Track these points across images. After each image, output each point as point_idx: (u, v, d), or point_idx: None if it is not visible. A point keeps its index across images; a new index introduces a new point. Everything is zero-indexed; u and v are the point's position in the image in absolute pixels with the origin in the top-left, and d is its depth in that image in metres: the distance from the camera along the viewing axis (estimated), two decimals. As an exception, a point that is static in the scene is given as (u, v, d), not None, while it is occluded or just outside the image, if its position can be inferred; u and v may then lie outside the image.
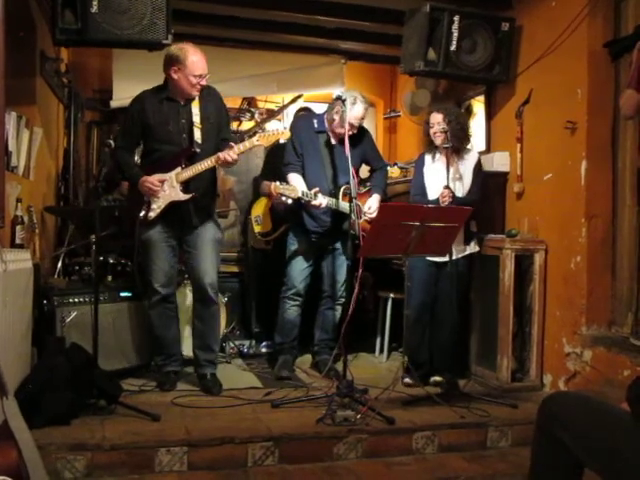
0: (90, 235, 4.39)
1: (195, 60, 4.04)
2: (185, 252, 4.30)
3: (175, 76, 4.07)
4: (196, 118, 4.16)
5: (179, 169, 4.09)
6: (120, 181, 5.59)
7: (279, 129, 4.36)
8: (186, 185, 4.10)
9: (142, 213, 4.12)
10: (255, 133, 6.53)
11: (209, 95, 4.26)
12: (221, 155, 4.01)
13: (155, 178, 4.07)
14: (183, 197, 4.10)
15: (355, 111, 4.42)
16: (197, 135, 4.14)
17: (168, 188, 4.09)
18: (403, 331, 4.28)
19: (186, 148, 4.14)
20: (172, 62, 4.06)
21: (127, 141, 4.26)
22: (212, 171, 4.25)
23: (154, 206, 4.10)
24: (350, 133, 4.24)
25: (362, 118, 4.54)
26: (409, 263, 4.28)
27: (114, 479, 3.22)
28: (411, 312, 4.44)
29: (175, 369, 4.36)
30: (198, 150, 4.12)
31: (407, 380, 4.41)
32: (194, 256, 4.24)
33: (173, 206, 4.11)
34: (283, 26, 5.82)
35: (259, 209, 5.60)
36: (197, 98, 4.18)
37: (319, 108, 5.80)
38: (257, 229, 5.57)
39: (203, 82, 4.10)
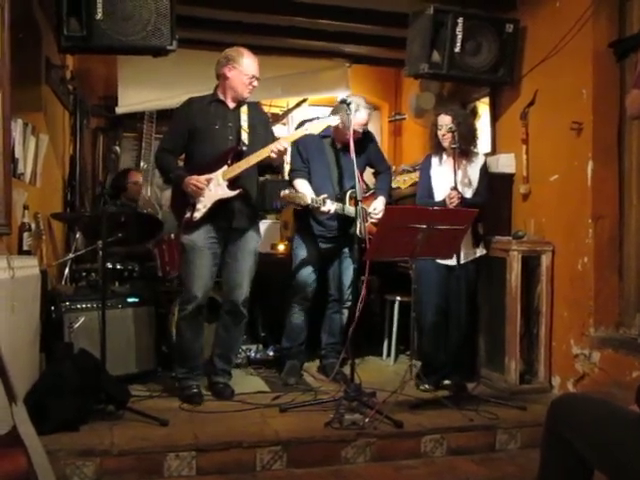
0: (97, 241, 4.41)
1: (249, 61, 4.10)
2: (222, 260, 4.22)
3: (229, 74, 4.09)
4: (244, 124, 4.15)
5: (225, 167, 4.02)
6: (125, 186, 5.62)
7: (329, 116, 4.22)
8: (232, 183, 4.04)
9: (187, 215, 4.04)
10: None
11: (257, 110, 4.34)
12: (272, 146, 3.98)
13: (201, 177, 4.00)
14: (230, 194, 4.02)
15: (358, 118, 4.41)
16: (244, 137, 4.12)
17: (214, 187, 4.00)
18: (410, 334, 4.27)
19: (233, 147, 4.09)
20: (227, 61, 4.09)
21: (172, 143, 4.20)
22: (255, 173, 4.24)
23: (199, 206, 4.01)
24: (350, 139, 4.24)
25: (365, 124, 4.54)
26: (419, 267, 4.27)
27: (123, 485, 3.23)
28: (428, 316, 4.44)
29: (198, 382, 4.22)
30: (245, 149, 4.09)
31: (426, 386, 4.39)
32: (231, 268, 4.20)
33: (219, 206, 4.03)
34: (287, 30, 5.82)
35: (286, 214, 5.58)
36: (246, 108, 4.19)
37: (324, 112, 5.80)
38: (284, 233, 5.57)
39: (255, 83, 4.12)
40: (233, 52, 4.13)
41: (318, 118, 4.24)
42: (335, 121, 4.18)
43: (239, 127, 4.14)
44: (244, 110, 4.19)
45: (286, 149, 4.06)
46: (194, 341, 4.21)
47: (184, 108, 4.22)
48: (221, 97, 4.18)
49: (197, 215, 4.03)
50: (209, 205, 4.02)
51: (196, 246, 4.08)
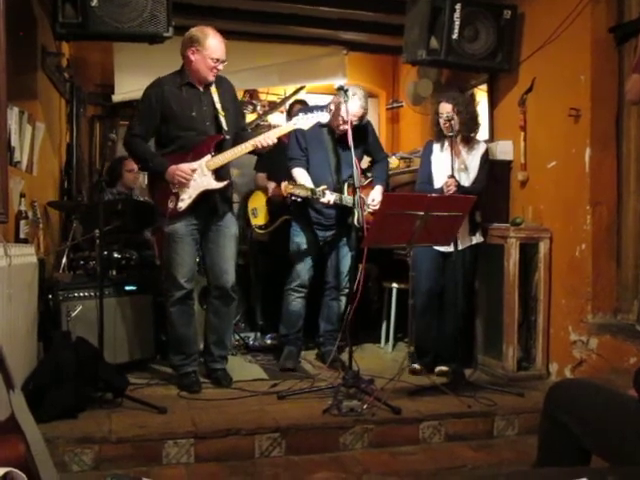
0: (94, 229, 4.39)
1: (214, 43, 3.95)
2: (204, 247, 4.19)
3: (192, 57, 3.96)
4: (218, 106, 4.06)
5: (209, 157, 3.96)
6: (121, 174, 5.58)
7: (319, 112, 4.17)
8: (217, 173, 4.00)
9: (171, 204, 3.96)
10: (257, 125, 6.56)
11: (225, 85, 4.19)
12: (259, 139, 3.93)
13: (186, 167, 3.93)
14: (217, 185, 3.98)
15: (350, 107, 4.38)
16: (222, 122, 4.04)
17: (199, 177, 3.94)
18: (408, 321, 4.28)
19: (215, 135, 4.03)
20: (191, 43, 3.95)
21: (145, 128, 4.05)
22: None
23: (184, 196, 3.94)
24: (344, 128, 4.22)
25: (358, 115, 4.46)
26: (415, 253, 4.27)
27: (122, 472, 3.22)
28: (419, 300, 4.45)
29: (195, 369, 4.19)
30: (227, 137, 4.04)
31: (415, 366, 4.40)
32: (216, 253, 4.15)
33: (203, 196, 3.98)
34: (284, 17, 5.81)
35: (255, 202, 5.59)
36: (214, 87, 4.09)
37: (321, 100, 5.79)
38: (254, 222, 5.57)
39: (220, 67, 4.00)
40: (198, 33, 3.96)
41: (312, 110, 4.22)
42: (325, 118, 4.16)
43: (215, 111, 4.06)
44: (214, 90, 4.09)
45: (274, 143, 3.99)
46: (187, 328, 4.18)
47: (154, 91, 4.03)
48: (190, 80, 4.05)
49: (182, 205, 3.96)
50: (194, 196, 3.96)
51: (178, 234, 4.03)
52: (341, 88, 4.21)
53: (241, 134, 4.13)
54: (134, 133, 4.06)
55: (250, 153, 4.14)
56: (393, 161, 5.72)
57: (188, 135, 4.02)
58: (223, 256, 4.16)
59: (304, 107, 4.86)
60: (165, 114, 4.02)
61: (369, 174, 4.84)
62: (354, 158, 4.12)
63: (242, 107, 4.51)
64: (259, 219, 5.54)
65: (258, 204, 5.54)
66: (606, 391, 2.22)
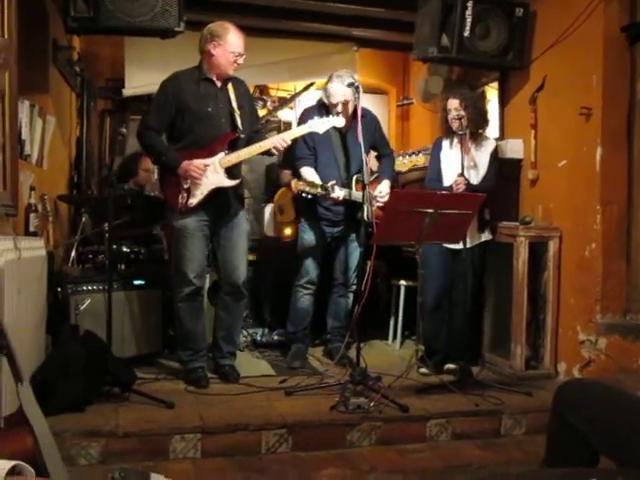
0: (103, 224, 4.40)
1: (235, 38, 3.98)
2: (216, 243, 4.20)
3: (214, 51, 3.97)
4: (234, 105, 4.07)
5: (222, 154, 3.97)
6: (136, 171, 5.56)
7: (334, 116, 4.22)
8: (229, 171, 4.01)
9: (182, 200, 3.95)
10: (267, 121, 6.55)
11: (241, 86, 4.21)
12: (274, 141, 3.96)
13: (199, 162, 3.93)
14: (229, 183, 4.00)
15: (336, 89, 4.39)
16: (237, 120, 4.05)
17: (211, 174, 3.94)
18: (417, 319, 4.27)
19: (230, 133, 4.04)
20: (212, 37, 3.96)
21: (159, 121, 4.03)
22: None
23: (196, 192, 3.95)
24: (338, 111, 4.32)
25: (346, 97, 4.41)
26: (424, 250, 4.26)
27: (128, 466, 3.22)
28: (429, 299, 4.44)
29: (203, 364, 4.21)
30: (242, 136, 4.06)
31: (423, 370, 4.39)
32: (228, 250, 4.16)
33: (214, 193, 3.99)
34: (295, 13, 5.79)
35: (282, 198, 5.57)
36: (232, 85, 4.10)
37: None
38: (280, 218, 5.55)
39: (240, 60, 4.01)
40: (218, 28, 3.99)
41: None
42: (340, 122, 4.17)
43: (231, 109, 4.07)
44: (231, 88, 4.10)
45: (288, 145, 4.03)
46: (195, 323, 4.18)
47: (171, 84, 4.05)
48: (209, 75, 4.05)
49: (193, 201, 3.97)
50: (206, 192, 3.96)
51: (188, 230, 4.02)
52: (351, 84, 4.22)
53: (255, 136, 4.14)
54: (148, 125, 4.05)
55: (260, 154, 4.14)
56: (419, 158, 5.66)
57: (202, 130, 4.02)
58: (235, 253, 4.16)
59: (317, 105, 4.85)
60: (180, 108, 4.01)
61: (376, 173, 4.84)
62: (364, 154, 4.12)
63: (256, 110, 4.49)
64: (286, 216, 5.52)
65: (285, 201, 5.52)
66: (614, 391, 2.21)
